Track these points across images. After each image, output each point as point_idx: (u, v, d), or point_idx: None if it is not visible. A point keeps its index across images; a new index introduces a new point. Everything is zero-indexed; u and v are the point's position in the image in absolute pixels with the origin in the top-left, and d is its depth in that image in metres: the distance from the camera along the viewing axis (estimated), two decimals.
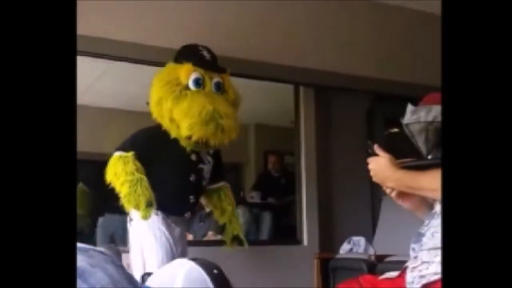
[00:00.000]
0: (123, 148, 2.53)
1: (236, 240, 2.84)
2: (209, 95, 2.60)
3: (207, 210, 2.96)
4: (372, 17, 3.79)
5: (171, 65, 2.72)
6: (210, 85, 2.64)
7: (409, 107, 1.76)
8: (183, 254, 2.60)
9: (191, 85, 2.60)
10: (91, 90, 4.16)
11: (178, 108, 2.54)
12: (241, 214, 3.91)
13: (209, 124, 2.50)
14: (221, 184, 2.87)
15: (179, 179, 2.64)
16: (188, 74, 2.61)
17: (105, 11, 2.93)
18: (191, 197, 2.68)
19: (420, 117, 1.71)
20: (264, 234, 4.39)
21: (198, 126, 2.49)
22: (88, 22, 2.78)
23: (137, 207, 2.41)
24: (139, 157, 2.50)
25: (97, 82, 4.01)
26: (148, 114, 2.66)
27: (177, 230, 2.63)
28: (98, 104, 4.34)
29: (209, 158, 2.75)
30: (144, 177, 2.45)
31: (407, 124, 1.75)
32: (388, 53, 3.79)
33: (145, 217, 2.42)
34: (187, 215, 2.69)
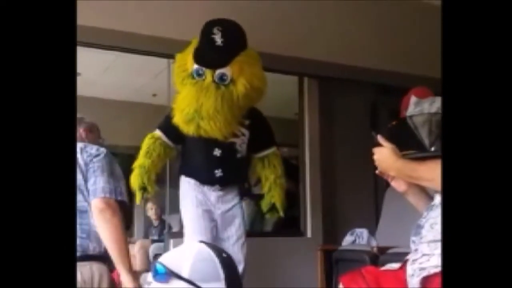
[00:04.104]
0: (158, 126, 2.73)
1: (274, 209, 2.82)
2: (205, 89, 2.51)
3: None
4: (377, 8, 3.78)
5: (191, 45, 2.65)
6: (210, 76, 2.53)
7: (413, 99, 1.78)
8: (214, 217, 2.69)
9: (194, 74, 2.56)
10: (99, 82, 4.17)
11: (179, 96, 2.60)
12: (246, 206, 3.92)
13: (189, 124, 2.53)
14: (266, 152, 2.82)
15: (202, 154, 2.68)
16: (192, 62, 2.57)
17: (114, 3, 2.94)
18: (216, 171, 2.66)
19: (423, 108, 1.72)
20: (268, 226, 4.40)
21: (181, 123, 2.56)
22: (97, 14, 2.79)
23: (133, 189, 2.61)
24: (169, 134, 2.68)
25: (104, 74, 4.03)
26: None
27: (212, 196, 2.71)
28: (105, 96, 4.35)
29: (243, 130, 2.71)
30: (147, 161, 2.61)
31: (410, 116, 1.76)
32: (393, 45, 3.79)
33: (137, 200, 2.64)
34: (216, 188, 2.70)
